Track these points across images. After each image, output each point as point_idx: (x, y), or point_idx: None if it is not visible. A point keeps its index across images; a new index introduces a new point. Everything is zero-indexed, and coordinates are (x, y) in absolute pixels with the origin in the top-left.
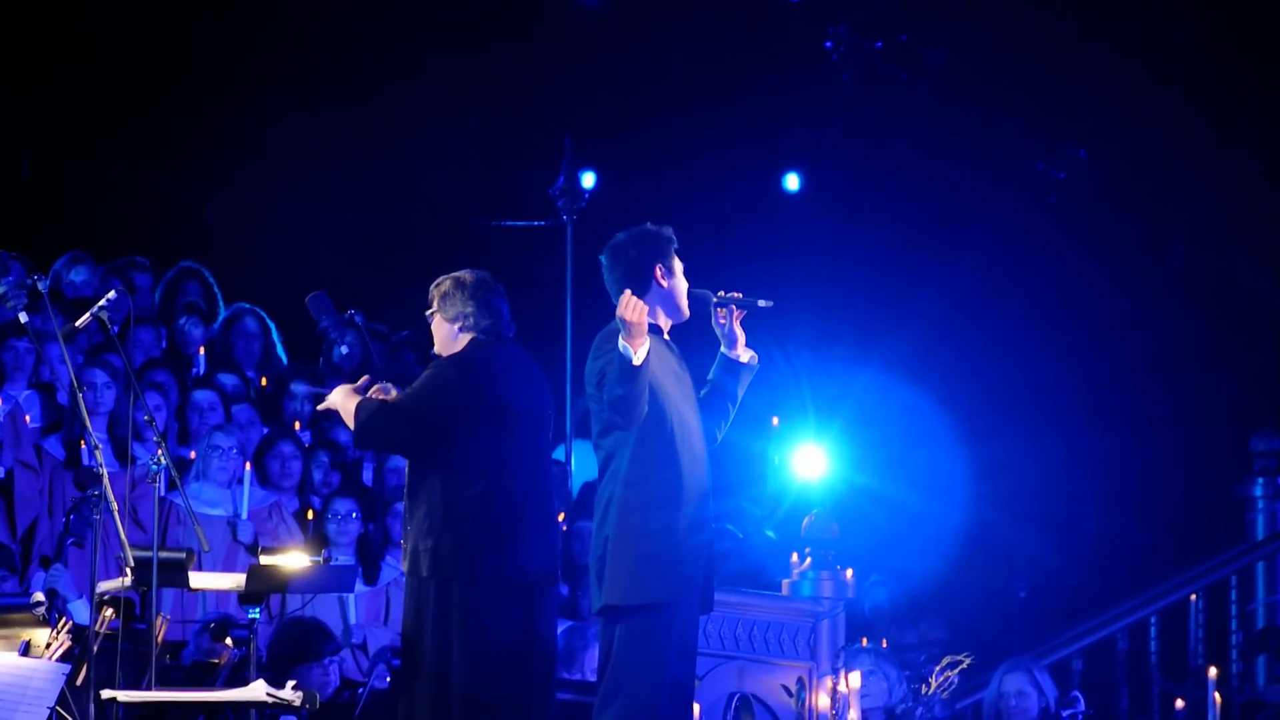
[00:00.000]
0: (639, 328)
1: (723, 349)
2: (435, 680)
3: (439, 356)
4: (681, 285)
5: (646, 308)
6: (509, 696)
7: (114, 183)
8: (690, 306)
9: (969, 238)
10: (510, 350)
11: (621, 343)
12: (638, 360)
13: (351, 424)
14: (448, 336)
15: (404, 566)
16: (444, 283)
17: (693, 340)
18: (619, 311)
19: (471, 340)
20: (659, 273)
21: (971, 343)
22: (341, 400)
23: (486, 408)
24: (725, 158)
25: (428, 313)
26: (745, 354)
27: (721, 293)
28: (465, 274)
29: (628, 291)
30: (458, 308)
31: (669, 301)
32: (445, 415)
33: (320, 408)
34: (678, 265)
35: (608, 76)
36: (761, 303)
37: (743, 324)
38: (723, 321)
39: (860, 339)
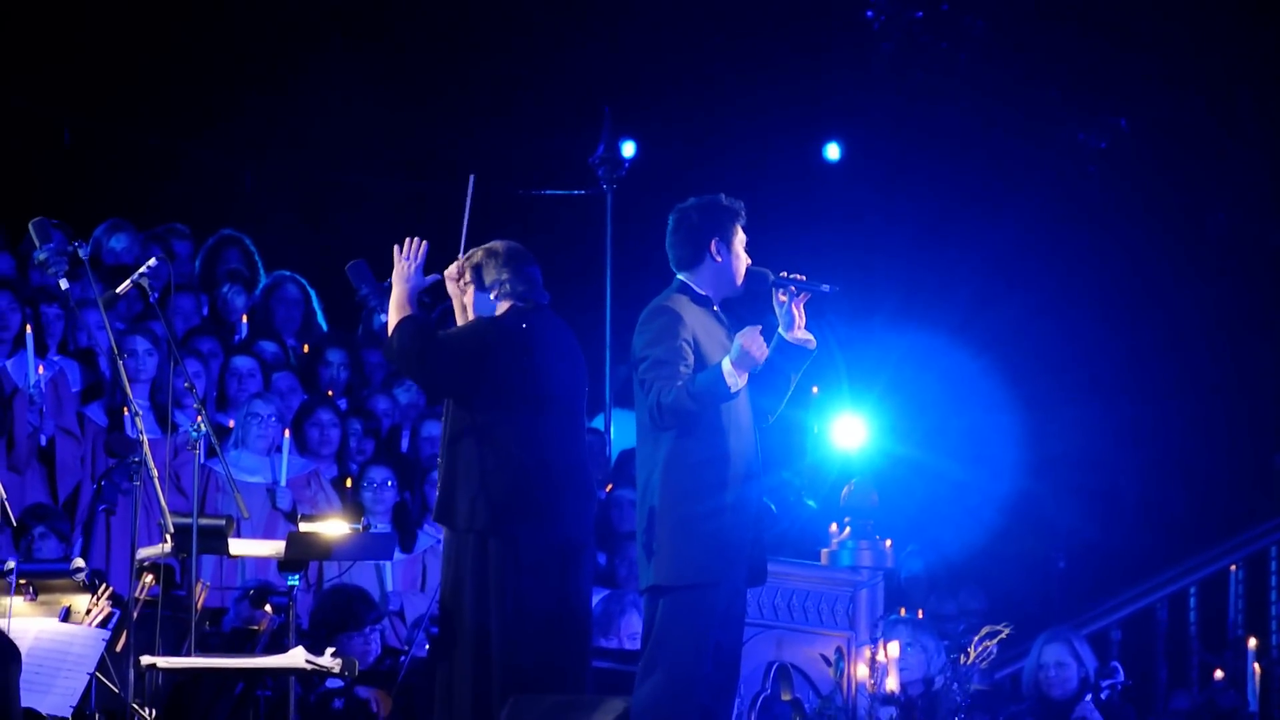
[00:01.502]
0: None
1: (780, 330)
2: (475, 647)
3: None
4: (738, 261)
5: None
6: (546, 663)
7: (154, 151)
8: (747, 282)
9: (1009, 207)
10: (548, 318)
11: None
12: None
13: (391, 329)
14: (485, 305)
15: (435, 516)
16: (475, 254)
17: (738, 313)
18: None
19: (510, 307)
20: (713, 246)
21: (1011, 312)
22: (395, 300)
23: (525, 373)
24: (766, 127)
25: (460, 284)
26: (803, 337)
27: (784, 273)
28: (496, 243)
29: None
30: (493, 275)
31: (722, 275)
32: (479, 366)
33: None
34: (738, 240)
35: (648, 45)
36: (825, 287)
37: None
38: (783, 300)
39: (900, 308)
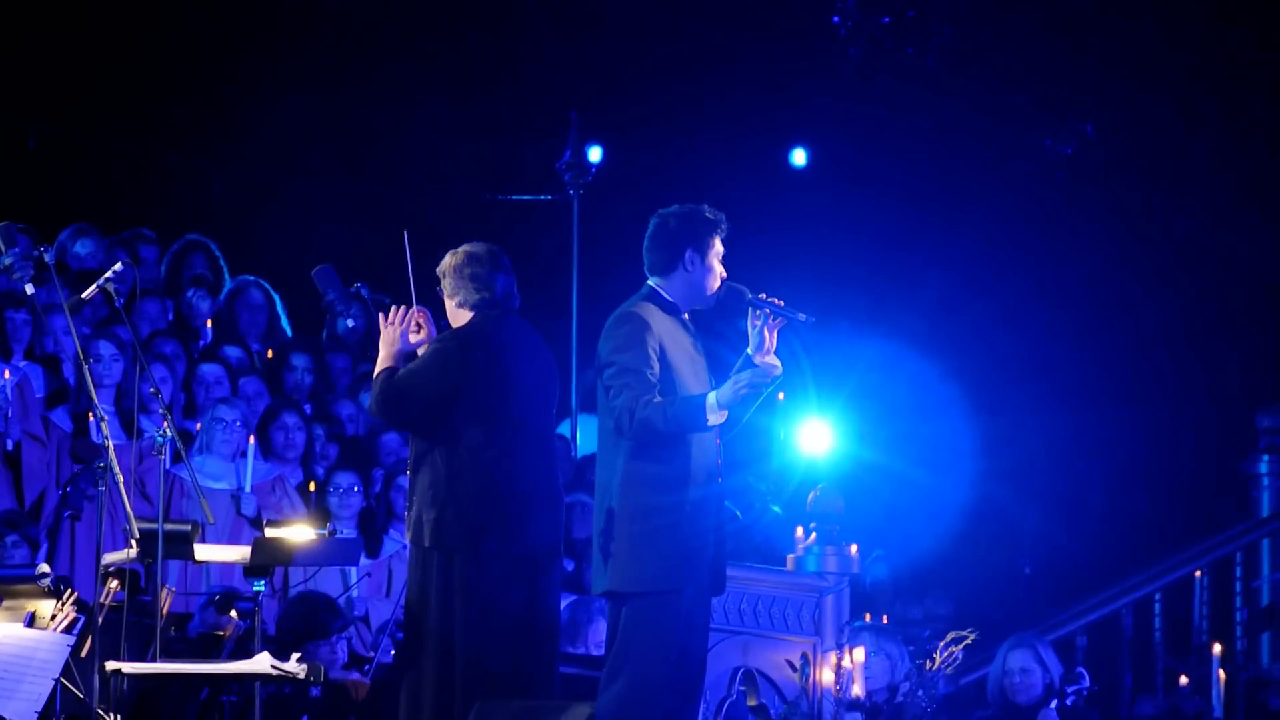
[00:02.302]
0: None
1: (749, 350)
2: (440, 653)
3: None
4: (711, 274)
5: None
6: (513, 669)
7: (120, 156)
8: (721, 297)
9: (976, 213)
10: (512, 323)
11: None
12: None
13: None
14: (452, 313)
15: (408, 537)
16: (445, 260)
17: (705, 322)
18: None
19: (473, 316)
20: (687, 255)
21: (978, 318)
22: (380, 361)
23: (488, 382)
24: (732, 132)
25: (438, 288)
26: (771, 362)
27: (763, 295)
28: (462, 250)
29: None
30: (452, 285)
31: (692, 285)
32: (445, 390)
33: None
34: (714, 253)
35: (615, 50)
36: (801, 316)
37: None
38: (756, 323)
39: (866, 314)
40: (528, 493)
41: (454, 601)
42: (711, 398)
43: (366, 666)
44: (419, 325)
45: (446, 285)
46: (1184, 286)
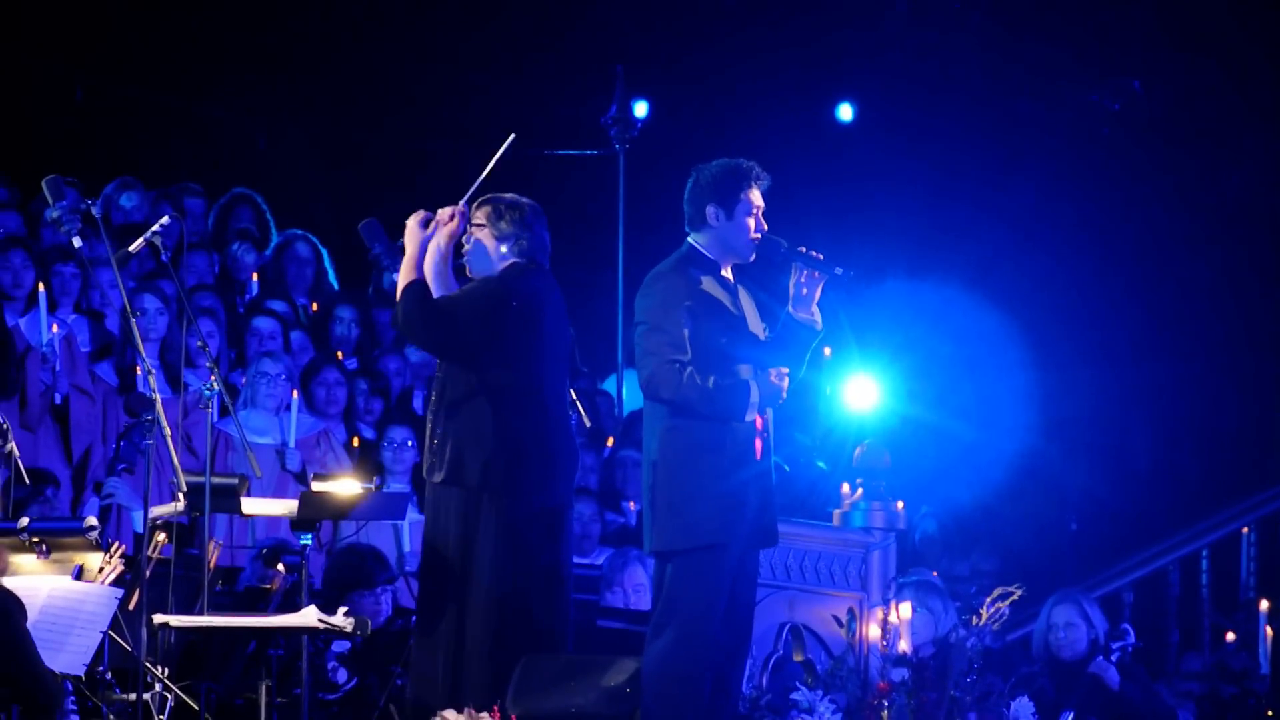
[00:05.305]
0: (772, 396)
1: (789, 307)
2: (493, 603)
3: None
4: (740, 230)
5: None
6: (548, 618)
7: (167, 110)
8: (759, 249)
9: (1022, 169)
10: (548, 279)
11: (757, 394)
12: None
13: (399, 293)
14: (490, 254)
15: (438, 476)
16: (498, 202)
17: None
18: (764, 390)
19: (513, 265)
20: (709, 211)
21: (1024, 274)
22: (409, 249)
23: (534, 335)
24: (778, 87)
25: (471, 225)
26: (808, 316)
27: (802, 248)
28: (521, 200)
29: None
30: (510, 229)
31: (722, 241)
32: (489, 328)
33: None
34: (744, 208)
35: (661, 5)
36: (838, 270)
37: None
38: (798, 277)
39: (913, 269)
40: (559, 442)
41: (505, 552)
42: (754, 392)
43: (414, 618)
44: (451, 216)
45: (499, 228)
46: (1231, 241)
